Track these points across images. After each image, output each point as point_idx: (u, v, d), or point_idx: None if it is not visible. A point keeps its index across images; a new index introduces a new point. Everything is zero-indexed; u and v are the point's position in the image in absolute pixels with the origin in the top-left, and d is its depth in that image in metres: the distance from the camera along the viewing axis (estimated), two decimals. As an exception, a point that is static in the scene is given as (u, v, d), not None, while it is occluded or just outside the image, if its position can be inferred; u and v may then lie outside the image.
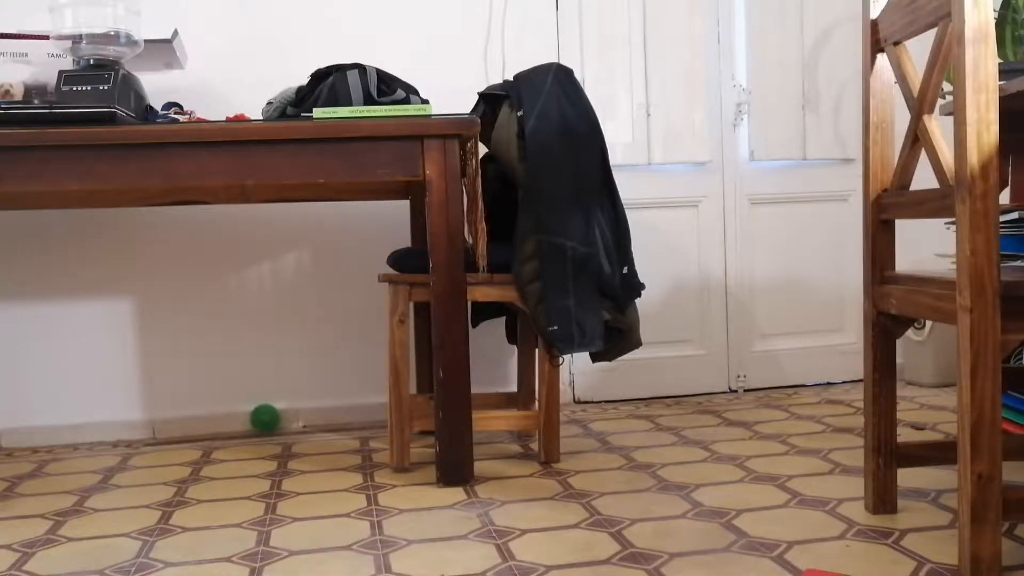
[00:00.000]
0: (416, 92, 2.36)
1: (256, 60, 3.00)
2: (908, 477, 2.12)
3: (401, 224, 3.12)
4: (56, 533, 2.03)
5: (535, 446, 2.66)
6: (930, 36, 1.65)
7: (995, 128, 1.47)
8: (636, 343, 2.51)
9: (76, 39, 2.25)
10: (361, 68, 2.30)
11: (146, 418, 3.03)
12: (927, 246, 3.38)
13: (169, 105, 2.47)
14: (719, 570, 1.65)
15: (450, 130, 2.19)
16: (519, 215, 2.41)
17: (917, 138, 1.73)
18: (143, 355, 3.03)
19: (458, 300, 2.24)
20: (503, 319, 2.95)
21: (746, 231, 3.39)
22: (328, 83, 2.27)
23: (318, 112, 2.20)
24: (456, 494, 2.20)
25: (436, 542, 1.86)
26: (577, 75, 2.56)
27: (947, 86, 1.86)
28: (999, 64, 1.50)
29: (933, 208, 1.66)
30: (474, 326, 2.86)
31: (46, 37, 2.33)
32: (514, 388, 3.15)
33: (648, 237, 3.28)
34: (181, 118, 2.32)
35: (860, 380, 3.45)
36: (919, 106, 1.71)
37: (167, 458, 2.73)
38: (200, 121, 2.29)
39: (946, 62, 1.61)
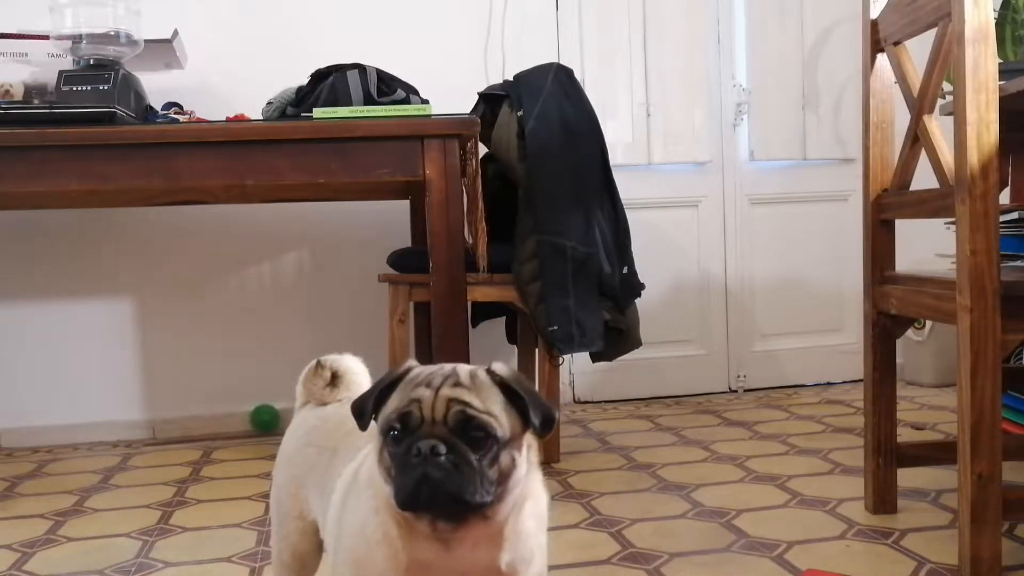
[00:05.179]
0: (416, 92, 2.36)
1: (256, 60, 3.00)
2: (908, 477, 2.11)
3: (401, 224, 3.11)
4: (56, 533, 2.03)
5: (535, 446, 2.66)
6: (930, 36, 1.65)
7: (995, 128, 1.47)
8: (636, 343, 2.51)
9: (76, 39, 2.25)
10: (361, 68, 2.29)
11: (146, 418, 3.03)
12: (927, 246, 3.37)
13: (169, 105, 2.47)
14: (719, 570, 1.65)
15: (450, 130, 2.19)
16: (519, 215, 2.41)
17: (917, 138, 1.73)
18: (143, 355, 3.03)
19: (458, 300, 2.24)
20: (503, 319, 2.95)
21: (746, 231, 3.39)
22: (328, 83, 2.27)
23: (318, 112, 2.20)
24: (456, 494, 2.19)
25: (436, 542, 1.85)
26: (577, 75, 2.56)
27: (947, 86, 1.86)
28: (999, 64, 1.50)
29: (933, 208, 1.66)
30: (474, 326, 2.86)
31: (46, 37, 2.33)
32: (514, 388, 3.14)
33: (648, 237, 3.27)
34: (181, 118, 2.32)
35: (860, 380, 3.43)
36: (919, 106, 1.71)
37: (167, 458, 2.72)
38: (200, 121, 2.29)
39: (946, 62, 1.61)
